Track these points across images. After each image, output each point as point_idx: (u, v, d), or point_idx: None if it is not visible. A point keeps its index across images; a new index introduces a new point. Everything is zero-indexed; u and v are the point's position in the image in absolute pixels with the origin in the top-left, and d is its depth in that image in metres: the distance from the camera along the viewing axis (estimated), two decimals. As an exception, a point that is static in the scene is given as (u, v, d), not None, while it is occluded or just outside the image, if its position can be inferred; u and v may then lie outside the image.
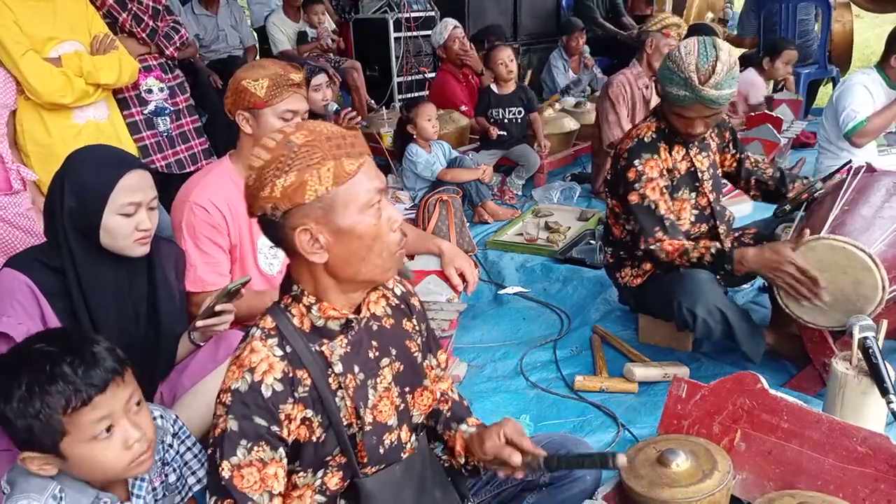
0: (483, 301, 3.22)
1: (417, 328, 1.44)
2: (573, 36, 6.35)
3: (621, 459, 1.25)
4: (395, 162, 4.36)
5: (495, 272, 3.49)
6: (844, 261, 2.00)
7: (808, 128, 5.34)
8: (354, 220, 1.18)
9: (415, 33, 6.17)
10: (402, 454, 1.37)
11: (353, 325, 1.30)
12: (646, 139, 2.43)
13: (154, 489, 1.49)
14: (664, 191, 2.41)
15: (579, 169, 5.12)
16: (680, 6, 7.31)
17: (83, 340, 1.35)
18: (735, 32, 7.15)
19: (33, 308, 1.69)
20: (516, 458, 1.32)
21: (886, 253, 2.04)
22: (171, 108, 3.35)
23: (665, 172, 2.43)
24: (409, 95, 6.22)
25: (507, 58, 4.55)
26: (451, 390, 1.58)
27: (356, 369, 1.29)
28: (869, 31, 9.46)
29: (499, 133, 4.56)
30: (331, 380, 1.26)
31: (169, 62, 3.41)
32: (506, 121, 4.62)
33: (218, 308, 1.83)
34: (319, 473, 1.28)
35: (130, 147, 3.09)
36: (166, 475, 1.54)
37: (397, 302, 1.43)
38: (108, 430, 1.31)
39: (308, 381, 1.23)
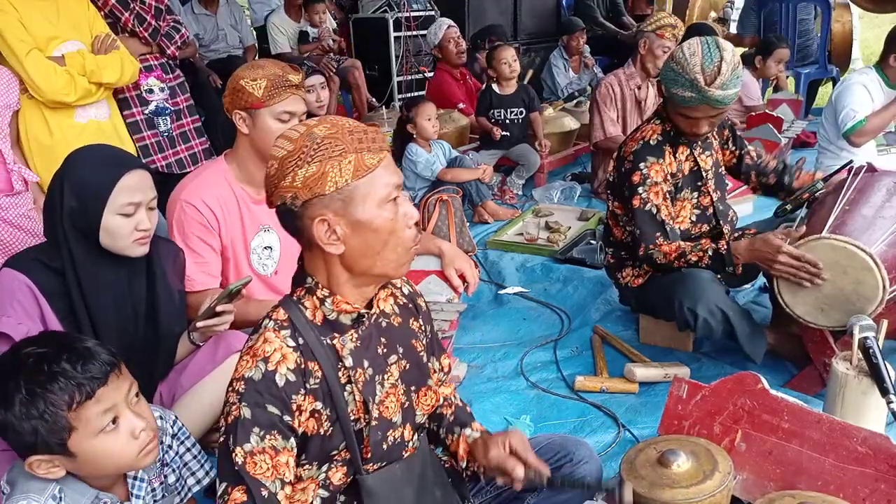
0: (483, 301, 3.22)
1: (423, 328, 1.46)
2: (573, 36, 6.35)
3: (627, 492, 1.25)
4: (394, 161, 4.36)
5: (495, 272, 3.49)
6: (845, 261, 2.00)
7: (809, 128, 5.34)
8: (372, 214, 1.20)
9: (415, 32, 6.16)
10: (403, 452, 1.37)
11: (363, 319, 1.31)
12: (651, 142, 2.42)
13: (153, 490, 1.49)
14: (667, 196, 2.41)
15: (579, 169, 5.12)
16: (681, 6, 7.31)
17: (72, 338, 1.35)
18: (735, 31, 7.15)
19: (33, 308, 1.69)
20: (520, 472, 1.33)
21: (887, 253, 2.04)
22: (172, 108, 3.35)
23: (669, 177, 2.42)
24: (408, 95, 6.22)
25: (510, 57, 4.55)
26: (454, 395, 1.59)
27: (365, 364, 1.30)
28: (868, 32, 9.45)
29: (502, 134, 4.56)
30: (341, 373, 1.27)
31: (170, 62, 3.41)
32: (507, 121, 4.62)
33: (219, 309, 1.83)
34: (324, 468, 1.29)
35: (130, 147, 3.10)
36: (165, 476, 1.53)
37: (405, 301, 1.45)
38: (114, 422, 1.31)
39: (319, 374, 1.24)
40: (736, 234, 2.71)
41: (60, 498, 1.33)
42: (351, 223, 1.19)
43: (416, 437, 1.41)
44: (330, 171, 1.16)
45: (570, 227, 3.91)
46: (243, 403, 1.18)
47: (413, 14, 6.19)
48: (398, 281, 1.45)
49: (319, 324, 1.27)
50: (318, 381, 1.24)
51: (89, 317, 1.76)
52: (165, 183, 2.70)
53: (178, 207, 2.05)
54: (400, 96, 6.26)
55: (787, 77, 6.37)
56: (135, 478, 1.45)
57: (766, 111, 5.02)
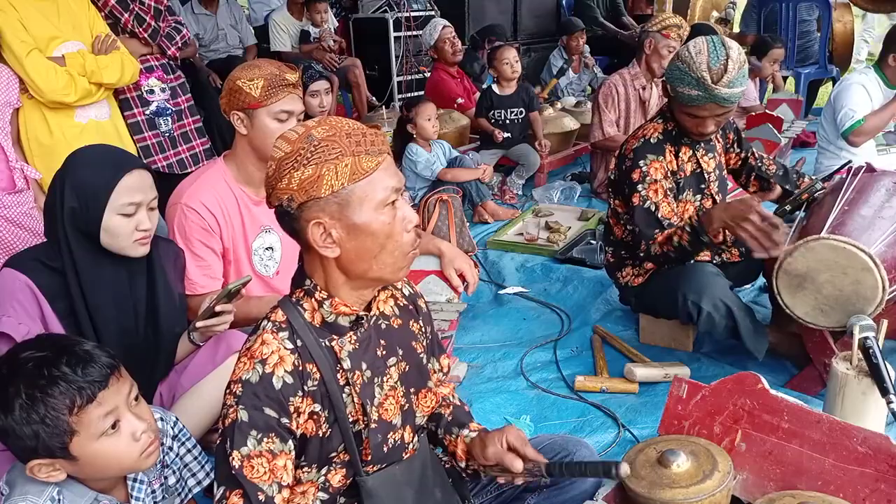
0: (483, 301, 3.22)
1: (423, 330, 1.45)
2: (573, 36, 6.35)
3: (624, 468, 1.25)
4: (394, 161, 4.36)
5: (495, 272, 3.49)
6: (844, 261, 2.00)
7: (809, 128, 5.34)
8: (369, 218, 1.19)
9: (415, 32, 6.16)
10: (403, 454, 1.37)
11: (362, 322, 1.30)
12: (652, 140, 2.42)
13: (153, 491, 1.49)
14: (667, 193, 2.41)
15: (579, 168, 5.12)
16: (682, 6, 7.31)
17: (71, 341, 1.35)
18: (738, 30, 7.16)
19: (34, 308, 1.70)
20: (518, 465, 1.32)
21: (886, 253, 2.04)
22: (173, 109, 3.35)
23: (669, 175, 2.42)
24: (408, 95, 6.22)
25: (512, 58, 4.55)
26: (453, 395, 1.59)
27: (364, 366, 1.29)
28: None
29: (504, 136, 4.56)
30: (339, 375, 1.26)
31: (171, 62, 3.41)
32: (507, 121, 4.62)
33: (218, 309, 1.83)
34: (323, 470, 1.29)
35: (131, 147, 3.10)
36: (166, 477, 1.53)
37: (405, 302, 1.44)
38: (115, 425, 1.31)
39: (317, 376, 1.24)
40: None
41: (59, 500, 1.32)
42: (347, 227, 1.18)
43: (416, 438, 1.40)
44: (326, 174, 1.15)
45: (570, 227, 3.91)
46: (240, 406, 1.18)
47: (413, 14, 6.19)
48: (399, 282, 1.45)
49: (318, 325, 1.26)
50: (316, 383, 1.24)
51: (90, 317, 1.76)
52: (166, 183, 2.70)
53: (179, 211, 2.04)
54: (400, 96, 6.27)
55: (787, 77, 6.38)
56: (135, 480, 1.45)
57: (766, 111, 5.02)
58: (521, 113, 4.63)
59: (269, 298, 2.07)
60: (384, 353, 1.34)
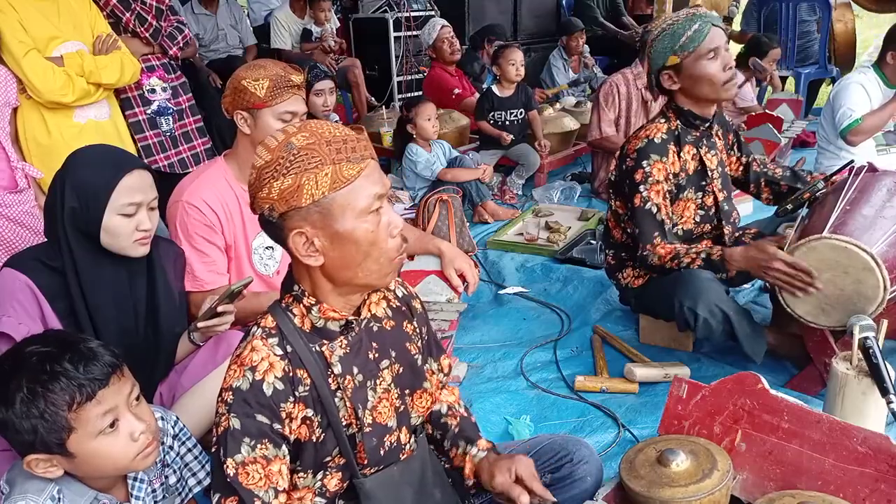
0: (483, 301, 3.22)
1: (418, 331, 1.44)
2: (573, 36, 6.35)
3: None
4: (395, 161, 4.36)
5: (495, 272, 3.49)
6: (846, 260, 2.00)
7: (809, 127, 5.34)
8: (352, 226, 1.17)
9: (414, 32, 6.16)
10: (401, 455, 1.37)
11: (353, 326, 1.30)
12: (656, 140, 2.41)
13: (154, 491, 1.49)
14: (667, 195, 2.41)
15: (579, 168, 5.12)
16: (682, 6, 7.30)
17: (76, 338, 1.35)
18: (738, 29, 7.17)
19: (34, 308, 1.69)
20: (525, 500, 1.31)
21: (888, 253, 2.03)
22: (174, 108, 3.35)
23: (671, 176, 2.42)
24: (408, 95, 6.22)
25: (518, 60, 4.55)
26: (458, 404, 1.57)
27: (355, 370, 1.29)
28: (868, 32, 9.45)
29: (511, 138, 4.56)
30: (330, 380, 1.26)
31: (172, 62, 3.41)
32: (507, 122, 4.63)
33: (219, 309, 1.83)
34: (319, 475, 1.29)
35: (131, 147, 3.10)
36: (166, 477, 1.53)
37: (398, 304, 1.43)
38: (113, 424, 1.31)
39: (308, 381, 1.23)
40: (737, 234, 2.72)
41: (59, 498, 1.33)
42: (329, 235, 1.17)
43: (412, 439, 1.40)
44: (306, 184, 1.13)
45: (570, 227, 3.91)
46: (232, 414, 1.18)
47: (413, 14, 6.19)
48: (392, 283, 1.44)
49: (308, 331, 1.26)
50: (307, 388, 1.23)
51: (90, 317, 1.76)
52: (167, 183, 2.70)
53: (181, 209, 2.05)
54: (400, 96, 6.27)
55: (787, 77, 6.38)
56: (135, 479, 1.45)
57: (766, 111, 5.02)
58: (521, 113, 4.63)
59: (273, 294, 2.07)
60: (377, 355, 1.33)
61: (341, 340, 1.28)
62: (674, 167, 2.43)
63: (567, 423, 2.28)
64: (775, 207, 2.59)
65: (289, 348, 1.23)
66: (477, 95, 5.32)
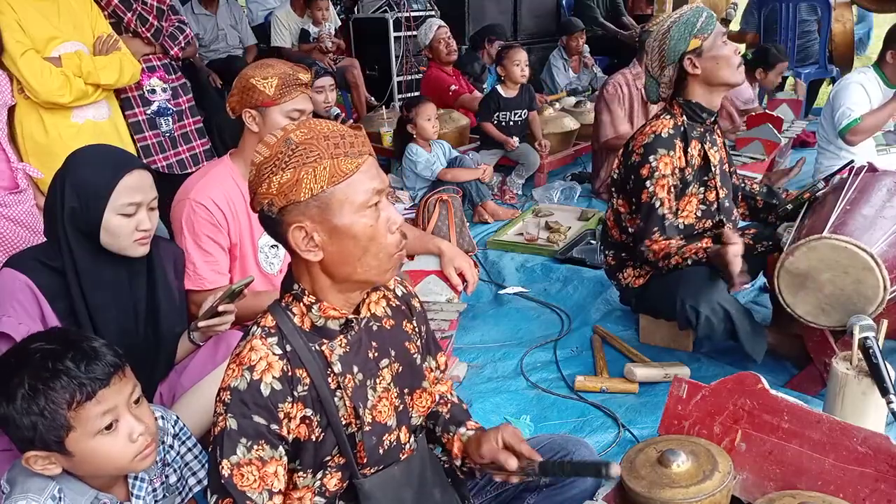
0: (483, 301, 3.22)
1: (417, 330, 1.44)
2: (573, 36, 6.35)
3: (614, 469, 1.25)
4: (395, 161, 4.36)
5: (495, 272, 3.49)
6: (846, 260, 2.00)
7: (809, 127, 5.35)
8: (350, 220, 1.18)
9: (414, 32, 6.16)
10: (400, 455, 1.37)
11: (352, 325, 1.30)
12: (663, 135, 2.40)
13: (154, 490, 1.49)
14: (672, 189, 2.41)
15: (579, 168, 5.12)
16: (681, 6, 7.30)
17: (81, 337, 1.35)
18: (737, 29, 7.17)
19: (33, 308, 1.69)
20: (512, 463, 1.32)
21: (888, 253, 2.03)
22: (174, 109, 3.35)
23: (677, 171, 2.42)
24: (408, 95, 6.22)
25: (522, 60, 4.55)
26: (451, 393, 1.58)
27: (355, 370, 1.29)
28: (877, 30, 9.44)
29: (517, 143, 4.55)
30: (330, 380, 1.26)
31: (173, 63, 3.41)
32: (511, 123, 4.62)
33: (220, 309, 1.83)
34: (319, 475, 1.28)
35: (131, 147, 3.09)
36: (167, 476, 1.53)
37: (398, 303, 1.43)
38: (112, 425, 1.31)
39: (307, 381, 1.23)
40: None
41: (60, 498, 1.33)
42: (328, 230, 1.18)
43: (412, 439, 1.40)
44: (305, 178, 1.14)
45: (570, 227, 3.91)
46: (229, 414, 1.17)
47: (413, 14, 6.19)
48: (391, 282, 1.44)
49: (308, 330, 1.26)
50: (306, 388, 1.23)
51: (90, 317, 1.76)
52: (166, 183, 2.70)
53: (188, 207, 2.05)
54: (400, 96, 6.27)
55: (787, 77, 6.37)
56: (136, 478, 1.45)
57: (766, 111, 5.02)
58: (525, 114, 4.64)
59: (275, 294, 2.08)
60: (376, 354, 1.33)
61: (341, 339, 1.28)
62: (680, 162, 2.43)
63: (567, 423, 2.28)
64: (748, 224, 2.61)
65: (288, 347, 1.23)
66: (476, 94, 5.32)
